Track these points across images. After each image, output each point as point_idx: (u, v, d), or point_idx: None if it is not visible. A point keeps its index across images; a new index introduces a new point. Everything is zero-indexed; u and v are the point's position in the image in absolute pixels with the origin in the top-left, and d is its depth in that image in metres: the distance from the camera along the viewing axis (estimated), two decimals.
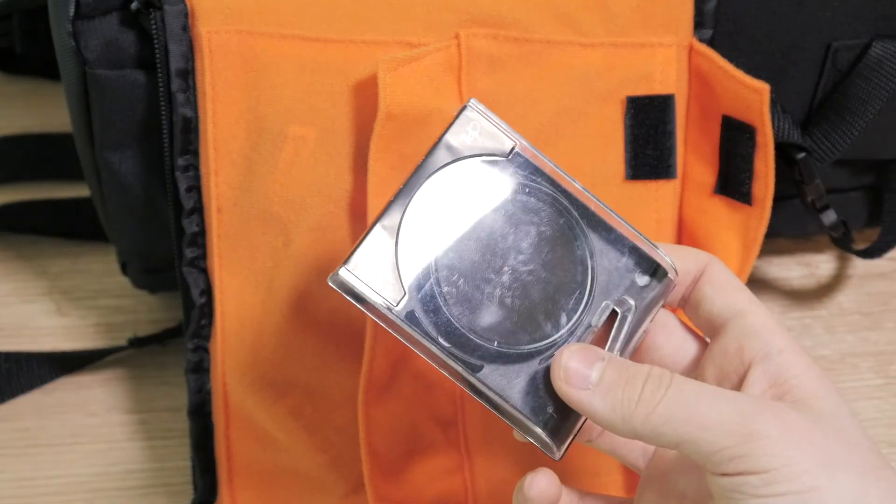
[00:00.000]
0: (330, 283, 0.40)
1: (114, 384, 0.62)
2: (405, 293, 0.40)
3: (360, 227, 0.50)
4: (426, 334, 0.40)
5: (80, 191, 0.67)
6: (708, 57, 0.51)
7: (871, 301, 0.66)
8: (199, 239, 0.51)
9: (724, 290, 0.42)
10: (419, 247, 0.40)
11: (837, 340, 0.65)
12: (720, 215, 0.53)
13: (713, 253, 0.44)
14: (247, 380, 0.51)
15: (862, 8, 0.53)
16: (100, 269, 0.66)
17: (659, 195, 0.52)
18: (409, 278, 0.40)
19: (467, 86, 0.49)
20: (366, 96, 0.49)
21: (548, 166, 0.42)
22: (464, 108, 0.41)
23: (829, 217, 0.57)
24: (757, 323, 0.41)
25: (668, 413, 0.37)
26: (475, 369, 0.40)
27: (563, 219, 0.42)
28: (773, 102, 0.52)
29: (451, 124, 0.41)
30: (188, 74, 0.49)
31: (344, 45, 0.49)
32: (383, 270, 0.40)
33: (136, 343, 0.61)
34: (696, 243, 0.54)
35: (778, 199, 0.60)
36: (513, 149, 0.42)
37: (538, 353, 0.40)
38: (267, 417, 0.52)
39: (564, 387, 0.39)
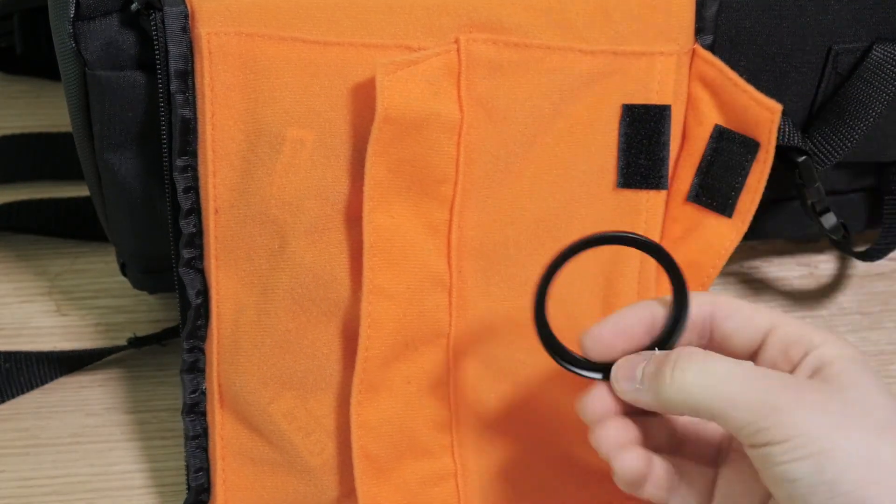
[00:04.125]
0: None
1: (113, 384, 0.62)
2: None
3: (356, 230, 0.49)
4: None
5: (80, 191, 0.66)
6: (717, 67, 0.51)
7: (871, 301, 0.66)
8: (196, 240, 0.51)
9: (745, 320, 0.45)
10: None
11: None
12: (689, 224, 0.53)
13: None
14: (241, 381, 0.51)
15: (862, 11, 0.53)
16: (100, 269, 0.66)
17: (649, 206, 0.52)
18: None
19: (466, 90, 0.49)
20: (365, 99, 0.48)
21: None
22: None
23: (830, 220, 0.57)
24: (791, 331, 0.44)
25: (699, 381, 0.41)
26: None
27: None
28: (784, 115, 0.52)
29: None
30: (187, 76, 0.49)
31: (343, 47, 0.49)
32: None
33: (136, 343, 0.61)
34: None
35: (778, 202, 0.60)
36: None
37: None
38: (260, 420, 0.52)
39: (619, 391, 0.45)
